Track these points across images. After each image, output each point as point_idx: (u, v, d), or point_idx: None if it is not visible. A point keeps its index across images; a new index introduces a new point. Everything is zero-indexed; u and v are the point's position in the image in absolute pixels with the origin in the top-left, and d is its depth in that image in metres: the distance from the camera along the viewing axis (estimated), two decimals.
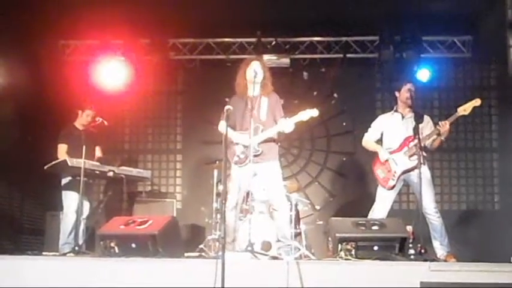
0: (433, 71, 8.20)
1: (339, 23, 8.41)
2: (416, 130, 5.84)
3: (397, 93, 6.40)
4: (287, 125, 5.68)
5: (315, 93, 9.07)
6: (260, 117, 5.77)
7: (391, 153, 6.21)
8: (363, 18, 8.11)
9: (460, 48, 8.71)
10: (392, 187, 6.18)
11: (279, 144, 5.91)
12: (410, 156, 6.02)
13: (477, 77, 8.96)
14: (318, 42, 8.92)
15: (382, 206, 6.21)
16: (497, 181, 8.68)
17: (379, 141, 6.44)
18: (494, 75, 8.85)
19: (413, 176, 5.88)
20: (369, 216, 6.15)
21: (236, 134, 5.75)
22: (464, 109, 6.01)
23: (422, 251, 5.21)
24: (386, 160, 6.19)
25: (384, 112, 6.91)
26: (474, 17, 8.16)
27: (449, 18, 7.92)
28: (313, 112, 5.67)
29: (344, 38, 8.81)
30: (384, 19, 8.19)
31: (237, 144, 5.76)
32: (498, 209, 8.62)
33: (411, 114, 6.20)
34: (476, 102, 6.02)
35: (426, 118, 6.34)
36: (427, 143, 6.14)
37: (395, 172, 6.13)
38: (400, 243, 5.07)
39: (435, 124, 6.17)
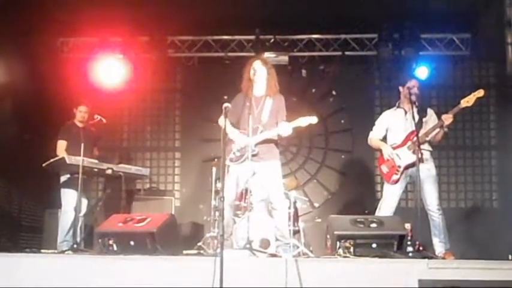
0: (432, 69, 8.18)
1: (338, 20, 8.41)
2: (418, 124, 5.81)
3: (400, 88, 6.37)
4: (285, 129, 5.65)
5: (313, 90, 9.08)
6: (261, 117, 5.75)
7: (395, 148, 6.19)
8: (361, 16, 8.12)
9: (459, 46, 8.71)
10: (396, 181, 6.15)
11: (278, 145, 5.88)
12: (414, 150, 5.93)
13: (475, 75, 8.95)
14: (317, 39, 8.92)
15: (388, 202, 6.18)
16: (496, 179, 8.69)
17: (385, 137, 6.40)
18: (493, 73, 8.83)
19: (419, 171, 5.82)
20: (376, 214, 6.15)
21: (235, 132, 5.74)
22: (467, 101, 5.94)
23: (421, 248, 5.22)
24: (391, 157, 6.18)
25: (382, 110, 6.90)
26: (473, 15, 8.15)
27: (447, 16, 7.92)
28: (312, 119, 5.66)
29: (343, 36, 8.81)
30: (382, 17, 8.20)
31: (234, 142, 5.75)
32: (496, 207, 8.62)
33: (414, 109, 6.13)
34: (479, 93, 5.94)
35: (429, 111, 6.30)
36: (431, 136, 6.10)
37: (399, 167, 6.11)
38: (398, 241, 5.07)
39: (439, 117, 6.10)
